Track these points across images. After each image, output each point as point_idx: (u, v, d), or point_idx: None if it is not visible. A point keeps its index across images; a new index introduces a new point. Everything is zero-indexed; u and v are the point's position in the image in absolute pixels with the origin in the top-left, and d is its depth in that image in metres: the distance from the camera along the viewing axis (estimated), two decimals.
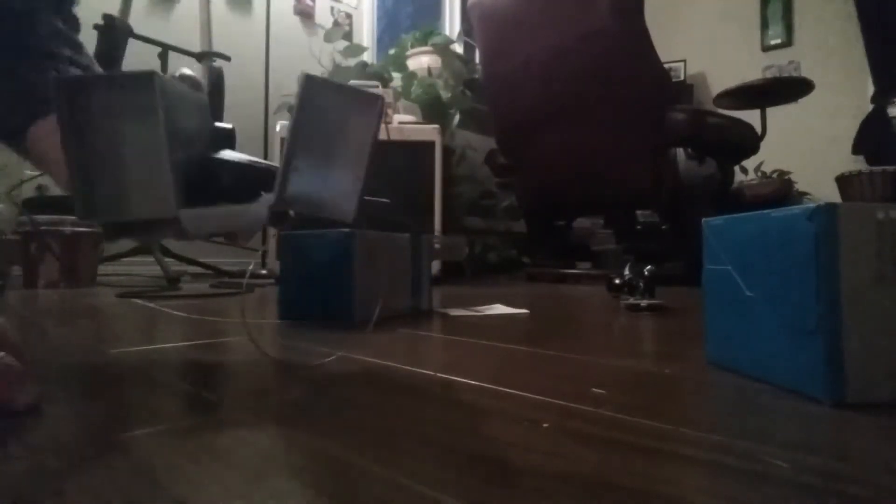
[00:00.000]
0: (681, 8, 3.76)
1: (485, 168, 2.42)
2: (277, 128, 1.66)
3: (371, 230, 0.75)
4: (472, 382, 0.40)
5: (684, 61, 3.73)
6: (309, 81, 0.43)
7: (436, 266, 1.69)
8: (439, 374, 0.43)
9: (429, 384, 0.41)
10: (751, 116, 1.87)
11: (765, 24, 3.45)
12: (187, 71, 0.59)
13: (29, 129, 0.47)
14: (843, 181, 2.47)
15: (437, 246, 1.03)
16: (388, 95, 1.74)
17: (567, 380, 0.42)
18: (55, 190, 1.48)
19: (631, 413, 0.32)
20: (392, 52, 2.59)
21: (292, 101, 2.15)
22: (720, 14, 3.63)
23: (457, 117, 2.26)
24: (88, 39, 0.68)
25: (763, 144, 1.88)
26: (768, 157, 2.82)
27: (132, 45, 1.58)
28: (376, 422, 0.31)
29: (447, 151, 1.97)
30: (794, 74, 3.15)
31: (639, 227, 2.10)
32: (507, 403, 0.35)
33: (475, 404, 0.35)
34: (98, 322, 0.76)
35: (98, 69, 0.55)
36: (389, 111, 1.70)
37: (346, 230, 0.72)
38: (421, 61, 2.44)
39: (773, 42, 3.41)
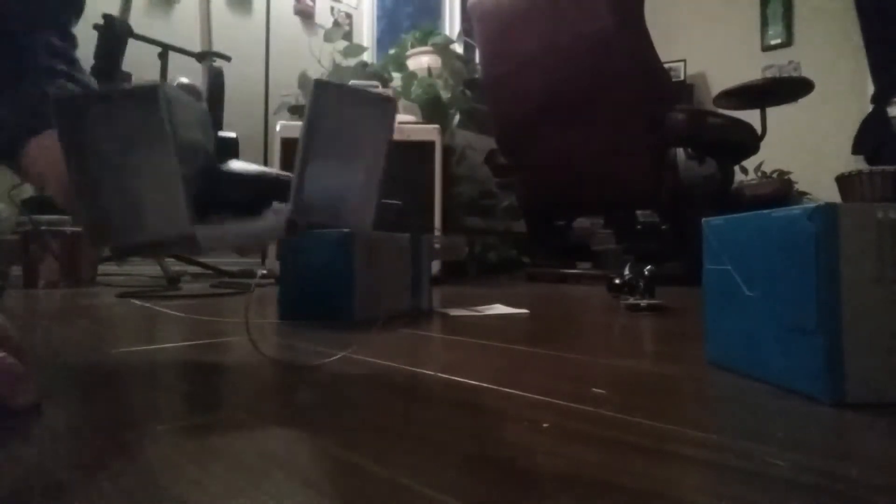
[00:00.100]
0: (681, 8, 3.76)
1: (485, 168, 2.42)
2: (278, 128, 1.66)
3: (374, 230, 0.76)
4: (472, 382, 0.40)
5: (684, 61, 3.73)
6: (320, 87, 0.42)
7: (436, 266, 1.69)
8: (439, 374, 0.43)
9: (429, 384, 0.41)
10: (751, 116, 1.87)
11: (765, 24, 3.45)
12: (185, 79, 0.57)
13: (25, 147, 0.45)
14: (843, 181, 2.47)
15: (437, 246, 1.03)
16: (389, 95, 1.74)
17: (567, 380, 0.42)
18: None
19: (631, 413, 0.32)
20: (392, 52, 2.59)
21: (292, 101, 2.14)
22: (720, 14, 3.63)
23: (457, 117, 2.27)
24: (88, 40, 0.67)
25: (763, 144, 1.88)
26: (768, 157, 2.82)
27: (132, 45, 1.58)
28: (376, 422, 0.31)
29: (447, 151, 1.97)
30: (794, 74, 3.15)
31: (639, 227, 2.10)
32: (508, 403, 0.35)
33: (475, 404, 0.35)
34: (98, 322, 0.76)
35: (93, 83, 0.54)
36: None
37: (346, 230, 0.72)
38: (421, 61, 2.44)
39: (773, 42, 3.41)
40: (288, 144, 1.63)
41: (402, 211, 0.75)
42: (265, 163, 2.24)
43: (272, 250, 1.67)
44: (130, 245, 0.42)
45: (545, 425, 0.30)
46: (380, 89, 1.75)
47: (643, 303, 0.92)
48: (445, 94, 2.21)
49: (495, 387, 0.39)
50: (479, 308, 0.93)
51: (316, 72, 2.25)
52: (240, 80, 2.31)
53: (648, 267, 1.02)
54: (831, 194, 2.62)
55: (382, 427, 0.30)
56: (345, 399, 0.37)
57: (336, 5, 2.93)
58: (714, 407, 0.37)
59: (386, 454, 0.25)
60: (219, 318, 0.79)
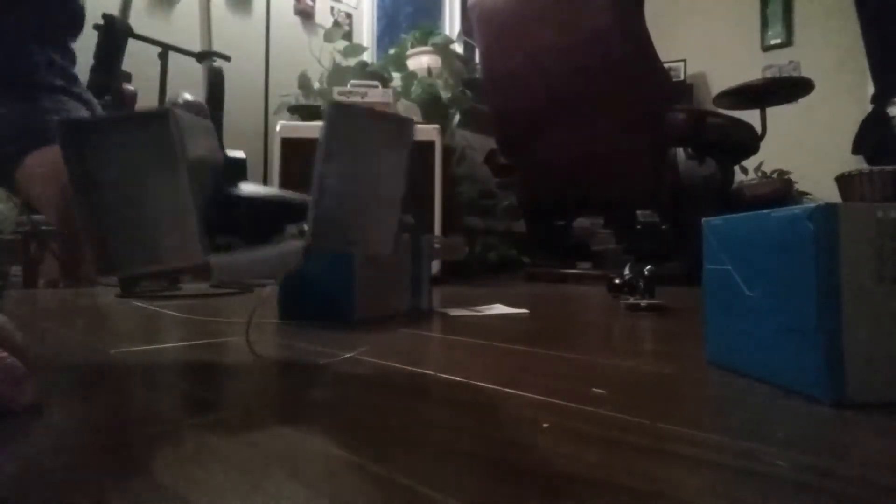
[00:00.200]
0: (681, 8, 3.76)
1: (485, 168, 2.42)
2: (278, 128, 1.66)
3: None
4: (472, 382, 0.40)
5: (684, 61, 3.73)
6: (335, 110, 0.40)
7: (436, 266, 1.69)
8: (439, 374, 0.43)
9: (429, 384, 0.41)
10: (751, 116, 1.87)
11: (765, 24, 3.45)
12: (188, 95, 0.55)
13: (18, 163, 0.45)
14: (843, 181, 2.46)
15: (436, 246, 1.03)
16: (388, 95, 1.74)
17: (567, 380, 0.42)
18: None
19: (631, 413, 0.32)
20: (392, 51, 2.59)
21: (292, 100, 2.14)
22: (720, 14, 3.63)
23: (457, 117, 2.26)
24: (88, 39, 0.67)
25: (763, 144, 1.88)
26: (768, 157, 2.81)
27: (132, 45, 1.58)
28: (376, 421, 0.31)
29: (447, 151, 1.97)
30: (794, 74, 3.15)
31: (639, 227, 2.10)
32: (508, 403, 0.35)
33: (475, 404, 0.35)
34: (98, 322, 0.76)
35: (92, 99, 0.53)
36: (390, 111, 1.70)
37: None
38: (421, 61, 2.44)
39: (773, 42, 3.41)
40: (288, 144, 1.62)
41: (414, 227, 0.75)
42: (265, 162, 2.24)
43: None
44: (139, 275, 0.41)
45: (545, 425, 0.30)
46: (380, 89, 1.75)
47: (643, 303, 0.92)
48: (445, 94, 2.21)
49: (495, 387, 0.39)
50: (479, 308, 0.93)
51: (316, 72, 2.25)
52: (240, 80, 2.31)
53: (648, 267, 1.02)
54: (831, 194, 2.62)
55: (382, 427, 0.30)
56: (345, 399, 0.37)
57: (336, 5, 2.93)
58: (714, 407, 0.37)
59: (386, 454, 0.25)
60: (219, 318, 0.79)
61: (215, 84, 1.74)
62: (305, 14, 2.80)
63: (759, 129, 1.84)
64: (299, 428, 0.29)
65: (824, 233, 0.33)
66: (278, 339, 0.61)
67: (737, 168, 2.37)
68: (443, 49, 2.44)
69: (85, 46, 0.54)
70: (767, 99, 2.06)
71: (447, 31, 3.29)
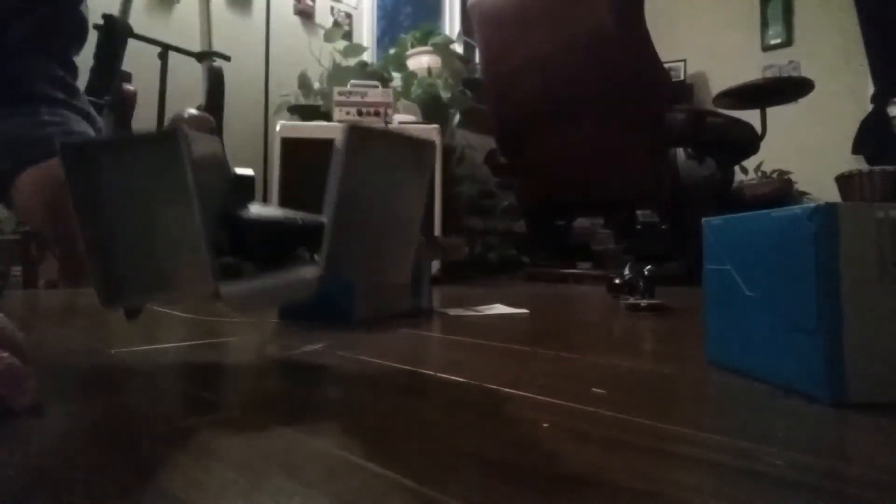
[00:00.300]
0: (681, 8, 3.76)
1: (485, 168, 2.42)
2: (277, 128, 1.66)
3: None
4: (472, 382, 0.40)
5: (684, 61, 3.73)
6: (353, 133, 0.38)
7: (436, 266, 1.69)
8: (439, 374, 0.43)
9: (429, 384, 0.41)
10: (751, 116, 1.87)
11: (765, 24, 3.45)
12: (193, 110, 0.52)
13: (15, 178, 0.43)
14: (843, 181, 2.46)
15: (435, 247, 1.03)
16: (388, 95, 1.74)
17: (567, 380, 0.42)
18: None
19: (631, 413, 0.32)
20: (392, 51, 2.59)
21: (292, 100, 2.14)
22: (720, 14, 3.63)
23: (457, 117, 2.26)
24: (88, 40, 0.67)
25: (763, 144, 1.88)
26: (768, 157, 2.81)
27: (132, 45, 1.58)
28: (376, 422, 0.31)
29: (447, 151, 1.97)
30: (794, 74, 3.15)
31: (639, 227, 2.10)
32: (507, 403, 0.35)
33: (475, 404, 0.35)
34: (98, 322, 0.76)
35: (93, 112, 0.51)
36: (390, 111, 1.70)
37: None
38: (421, 61, 2.44)
39: (773, 42, 3.41)
40: (288, 144, 1.62)
41: (422, 242, 0.74)
42: (265, 162, 2.24)
43: None
44: (146, 303, 0.38)
45: (545, 425, 0.30)
46: (380, 89, 1.75)
47: (643, 303, 0.92)
48: (445, 94, 2.21)
49: (495, 387, 0.39)
50: (479, 308, 0.93)
51: (316, 72, 2.25)
52: (240, 80, 2.31)
53: (648, 267, 1.02)
54: (831, 194, 2.62)
55: (382, 427, 0.30)
56: (345, 399, 0.37)
57: (336, 5, 2.93)
58: (714, 407, 0.37)
59: (386, 454, 0.25)
60: (219, 318, 0.79)
61: (215, 84, 1.74)
62: (305, 14, 2.80)
63: (759, 129, 1.84)
64: (299, 428, 0.29)
65: (824, 233, 0.33)
66: (278, 339, 0.61)
67: (737, 168, 2.37)
68: (443, 49, 2.43)
69: (85, 46, 0.53)
70: (767, 99, 2.06)
71: (447, 31, 3.29)
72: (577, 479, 0.23)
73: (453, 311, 0.89)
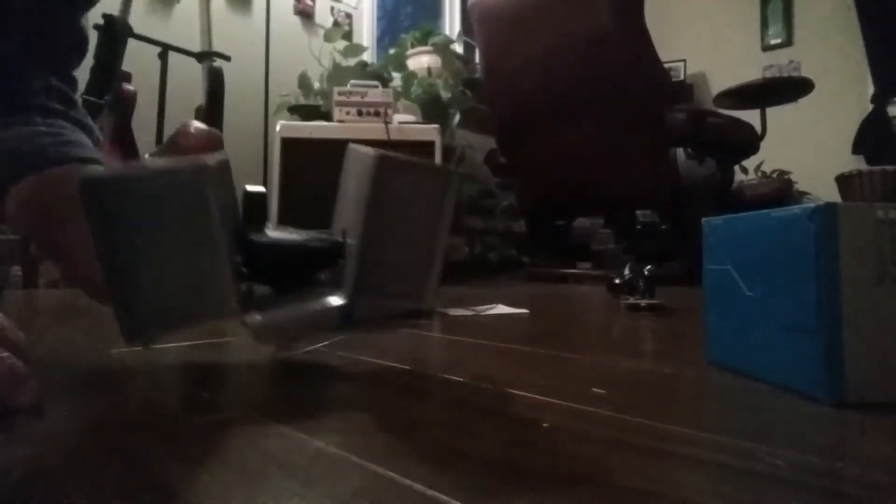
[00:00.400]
0: (681, 8, 3.76)
1: (485, 168, 2.42)
2: (277, 128, 1.66)
3: None
4: (472, 382, 0.40)
5: (684, 61, 3.73)
6: (382, 163, 0.38)
7: None
8: (439, 374, 0.43)
9: (429, 384, 0.41)
10: (751, 116, 1.87)
11: (765, 24, 3.45)
12: (200, 124, 0.49)
13: (9, 190, 0.42)
14: (843, 181, 2.47)
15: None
16: (388, 95, 1.74)
17: (567, 380, 0.42)
18: None
19: (631, 413, 0.32)
20: (392, 51, 2.59)
21: (292, 100, 2.13)
22: (720, 14, 3.63)
23: (457, 117, 2.26)
24: (88, 40, 0.67)
25: (763, 144, 1.88)
26: (768, 157, 2.81)
27: (132, 45, 1.58)
28: (376, 421, 0.31)
29: (447, 151, 1.97)
30: (794, 74, 3.15)
31: (639, 227, 2.10)
32: (507, 403, 0.35)
33: (475, 404, 0.35)
34: (98, 322, 0.76)
35: (91, 123, 0.51)
36: (390, 111, 1.70)
37: None
38: (421, 61, 2.43)
39: (773, 42, 3.41)
40: (288, 144, 1.62)
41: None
42: (265, 162, 2.24)
43: None
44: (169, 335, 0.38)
45: (545, 425, 0.30)
46: (380, 89, 1.75)
47: (643, 303, 0.92)
48: (445, 94, 2.21)
49: (495, 386, 0.39)
50: (479, 308, 0.93)
51: (316, 72, 2.25)
52: (240, 80, 2.31)
53: (648, 267, 1.02)
54: (831, 194, 2.62)
55: (382, 427, 0.30)
56: (345, 399, 0.37)
57: (336, 5, 2.93)
58: (714, 407, 0.37)
59: (386, 454, 0.25)
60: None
61: (215, 84, 1.74)
62: (305, 14, 2.80)
63: (759, 129, 1.85)
64: (299, 428, 0.29)
65: (824, 233, 0.33)
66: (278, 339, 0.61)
67: (737, 168, 2.37)
68: (443, 49, 2.43)
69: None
70: (767, 99, 2.07)
71: (447, 31, 3.29)
72: (577, 478, 0.23)
73: (453, 311, 0.89)
